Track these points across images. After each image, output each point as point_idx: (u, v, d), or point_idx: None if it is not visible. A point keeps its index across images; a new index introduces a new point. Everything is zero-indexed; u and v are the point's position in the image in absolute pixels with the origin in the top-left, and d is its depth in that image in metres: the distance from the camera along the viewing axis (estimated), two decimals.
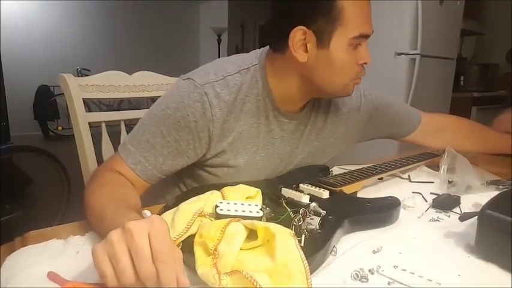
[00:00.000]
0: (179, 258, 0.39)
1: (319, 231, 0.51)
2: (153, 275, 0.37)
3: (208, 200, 0.55)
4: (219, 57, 2.91)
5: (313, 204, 0.56)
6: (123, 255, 0.37)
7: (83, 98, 0.92)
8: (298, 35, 0.66)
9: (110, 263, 0.38)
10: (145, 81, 1.06)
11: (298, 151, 0.82)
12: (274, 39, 0.72)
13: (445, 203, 0.69)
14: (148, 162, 0.70)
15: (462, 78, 3.43)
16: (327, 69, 0.69)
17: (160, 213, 0.55)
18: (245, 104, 0.73)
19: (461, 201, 0.71)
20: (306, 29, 0.66)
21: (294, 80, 0.73)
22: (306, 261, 0.41)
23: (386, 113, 0.93)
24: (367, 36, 0.69)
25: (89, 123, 0.93)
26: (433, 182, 0.83)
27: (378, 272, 0.46)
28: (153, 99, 0.89)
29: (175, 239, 0.47)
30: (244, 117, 0.73)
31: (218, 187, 0.61)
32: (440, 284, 0.44)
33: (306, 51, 0.68)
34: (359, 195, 0.73)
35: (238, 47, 6.04)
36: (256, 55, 0.76)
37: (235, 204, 0.54)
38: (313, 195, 0.63)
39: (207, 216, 0.53)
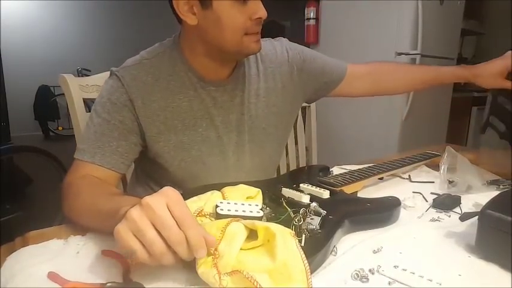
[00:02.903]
0: (198, 222, 0.44)
1: (320, 231, 0.51)
2: (183, 240, 0.40)
3: (208, 199, 0.55)
4: None
5: (314, 204, 0.56)
6: (148, 228, 0.40)
7: (83, 98, 0.92)
8: (181, 1, 0.70)
9: (137, 239, 0.40)
10: None
11: (245, 117, 0.83)
12: (173, 12, 0.74)
13: (445, 203, 0.69)
14: (104, 150, 0.71)
15: None
16: (217, 28, 0.70)
17: None
18: (170, 82, 0.76)
19: (461, 201, 0.71)
20: None
21: (200, 47, 0.76)
22: (306, 261, 0.41)
23: (315, 64, 0.94)
24: None
25: None
26: (433, 182, 0.83)
27: (378, 272, 0.46)
28: None
29: None
30: (171, 94, 0.76)
31: (218, 187, 0.61)
32: (440, 284, 0.44)
33: (195, 13, 0.71)
34: (359, 195, 0.73)
35: None
36: (172, 38, 0.81)
37: (235, 204, 0.54)
38: (313, 195, 0.63)
39: (207, 216, 0.53)
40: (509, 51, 0.86)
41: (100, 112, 0.74)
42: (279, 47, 0.90)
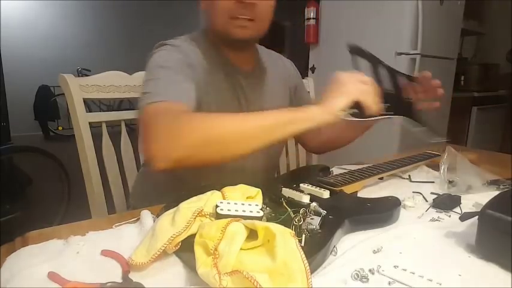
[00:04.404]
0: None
1: (320, 231, 0.51)
2: None
3: (208, 200, 0.55)
4: None
5: (314, 204, 0.56)
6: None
7: (83, 98, 0.92)
8: None
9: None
10: None
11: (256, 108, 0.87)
12: None
13: (445, 203, 0.69)
14: (178, 89, 0.70)
15: (462, 78, 3.43)
16: (212, 11, 0.77)
17: (160, 214, 0.56)
18: (208, 63, 0.79)
19: (461, 201, 0.71)
20: None
21: (211, 33, 0.82)
22: (306, 261, 0.41)
23: (303, 91, 1.04)
24: None
25: (89, 123, 0.93)
26: (433, 182, 0.83)
27: (378, 272, 0.46)
28: None
29: (174, 236, 0.47)
30: (210, 73, 0.79)
31: (218, 187, 0.61)
32: (440, 284, 0.44)
33: None
34: (359, 195, 0.73)
35: None
36: (201, 30, 0.86)
37: (235, 204, 0.54)
38: (313, 195, 0.63)
39: (207, 216, 0.53)
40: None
41: (165, 66, 0.72)
42: (287, 62, 1.01)
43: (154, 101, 0.65)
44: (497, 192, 0.62)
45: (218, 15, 0.75)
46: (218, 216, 0.51)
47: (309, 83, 1.34)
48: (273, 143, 0.62)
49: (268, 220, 0.54)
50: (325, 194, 0.64)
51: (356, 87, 0.64)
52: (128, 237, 0.54)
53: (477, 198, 0.72)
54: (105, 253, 0.49)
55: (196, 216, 0.51)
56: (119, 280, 0.44)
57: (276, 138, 0.62)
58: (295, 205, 0.58)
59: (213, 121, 0.61)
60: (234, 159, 0.60)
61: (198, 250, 0.45)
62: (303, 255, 0.41)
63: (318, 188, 0.66)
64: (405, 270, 0.46)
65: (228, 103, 0.83)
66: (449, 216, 0.66)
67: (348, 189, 0.70)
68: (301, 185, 0.67)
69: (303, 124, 0.63)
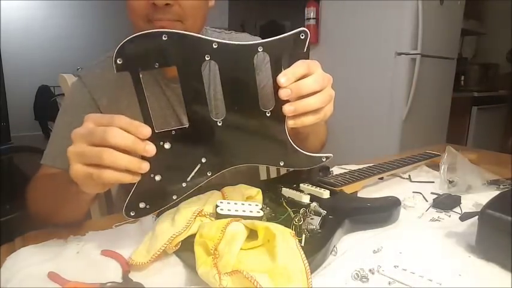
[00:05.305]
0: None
1: (320, 231, 0.51)
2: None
3: (208, 200, 0.55)
4: None
5: (314, 204, 0.56)
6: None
7: None
8: None
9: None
10: None
11: None
12: None
13: (445, 203, 0.69)
14: (65, 153, 0.71)
15: (462, 78, 3.43)
16: (129, 14, 0.67)
17: (160, 214, 0.56)
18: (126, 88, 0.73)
19: (461, 201, 0.71)
20: None
21: None
22: (306, 261, 0.41)
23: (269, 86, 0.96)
24: None
25: None
26: (433, 182, 0.83)
27: (378, 271, 0.46)
28: None
29: (174, 236, 0.47)
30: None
31: (218, 187, 0.61)
32: (440, 284, 0.44)
33: None
34: (359, 195, 0.72)
35: None
36: None
37: (235, 204, 0.54)
38: (313, 195, 0.63)
39: (207, 216, 0.53)
40: None
41: (63, 115, 0.74)
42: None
43: (43, 163, 0.73)
44: (497, 192, 0.62)
45: (135, 19, 0.66)
46: (218, 216, 0.51)
47: None
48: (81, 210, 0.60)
49: (268, 220, 0.54)
50: (325, 194, 0.64)
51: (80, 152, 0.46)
52: (127, 237, 0.54)
53: (477, 198, 0.72)
54: (105, 253, 0.49)
55: (196, 216, 0.51)
56: (119, 280, 0.44)
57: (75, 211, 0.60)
58: (295, 205, 0.58)
59: (36, 200, 0.64)
60: (73, 219, 0.60)
61: (198, 250, 0.45)
62: (303, 255, 0.41)
63: (318, 188, 0.65)
64: (405, 270, 0.46)
65: (166, 116, 0.77)
66: (449, 216, 0.66)
67: (348, 189, 0.70)
68: (301, 185, 0.67)
69: (80, 200, 0.55)
